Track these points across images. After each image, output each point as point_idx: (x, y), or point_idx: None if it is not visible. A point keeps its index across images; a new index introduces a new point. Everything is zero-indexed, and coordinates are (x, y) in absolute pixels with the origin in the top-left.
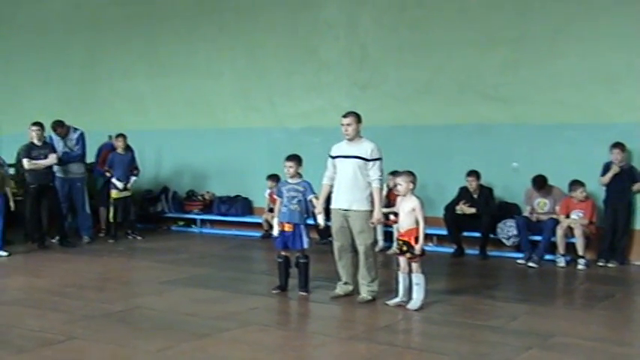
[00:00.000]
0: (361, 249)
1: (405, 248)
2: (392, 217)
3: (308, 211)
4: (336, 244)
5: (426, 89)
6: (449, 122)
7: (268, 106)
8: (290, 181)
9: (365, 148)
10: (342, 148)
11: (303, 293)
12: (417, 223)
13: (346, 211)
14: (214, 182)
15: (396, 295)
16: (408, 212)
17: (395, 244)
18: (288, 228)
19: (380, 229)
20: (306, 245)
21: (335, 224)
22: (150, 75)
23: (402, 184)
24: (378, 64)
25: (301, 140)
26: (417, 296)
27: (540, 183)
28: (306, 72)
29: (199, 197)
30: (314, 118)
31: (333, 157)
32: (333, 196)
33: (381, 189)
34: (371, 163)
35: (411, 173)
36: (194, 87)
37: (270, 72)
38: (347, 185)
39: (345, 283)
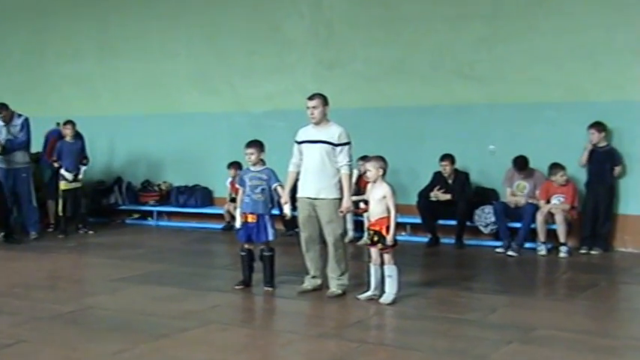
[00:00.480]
0: (330, 240)
1: (376, 238)
2: (362, 205)
3: (273, 200)
4: (303, 235)
5: (397, 68)
6: (421, 103)
7: (228, 89)
8: (252, 168)
9: (333, 132)
10: (308, 132)
11: (269, 288)
12: (389, 211)
13: (314, 200)
14: (171, 171)
15: (368, 289)
16: (378, 200)
17: (365, 235)
18: (251, 219)
19: (350, 219)
20: (271, 237)
21: (302, 214)
22: (100, 57)
23: (371, 169)
24: (346, 41)
25: (264, 125)
26: (390, 289)
27: (521, 164)
28: (268, 51)
29: (155, 188)
30: (277, 100)
31: (299, 143)
32: (300, 184)
33: (351, 175)
34: (339, 148)
35: (381, 158)
36: (148, 69)
37: (230, 52)
38: (314, 172)
39: (314, 277)
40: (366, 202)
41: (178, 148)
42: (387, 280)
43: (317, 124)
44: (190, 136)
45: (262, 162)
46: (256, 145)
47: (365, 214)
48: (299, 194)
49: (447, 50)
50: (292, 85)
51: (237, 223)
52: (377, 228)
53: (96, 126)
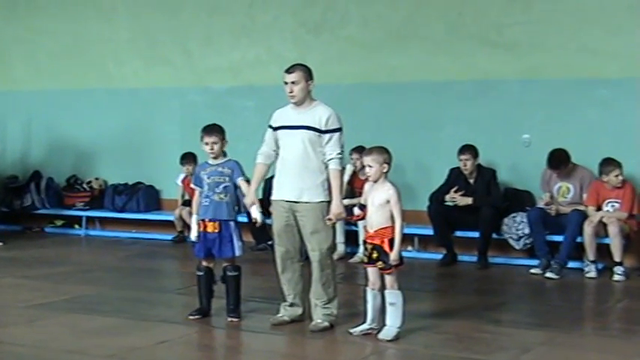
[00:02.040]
0: (315, 256)
1: (375, 255)
2: (357, 210)
3: (240, 203)
4: (279, 250)
5: (402, 33)
6: (434, 78)
7: (181, 57)
8: (212, 162)
9: (319, 115)
10: (286, 115)
11: (233, 319)
12: (393, 220)
13: (294, 204)
14: (106, 165)
15: (364, 321)
16: (379, 205)
17: (361, 250)
18: (211, 228)
19: (340, 229)
20: (237, 252)
21: (277, 222)
22: (13, 16)
23: (372, 165)
24: None
25: (229, 104)
26: (392, 322)
27: (557, 160)
28: (234, 9)
29: (85, 186)
30: (246, 73)
31: (274, 129)
32: (275, 184)
33: (342, 172)
34: (327, 135)
35: (384, 150)
36: (75, 31)
37: (184, 8)
38: (294, 167)
39: (292, 305)
40: (363, 207)
41: (115, 134)
42: (389, 310)
43: (298, 104)
44: (131, 119)
45: (224, 154)
46: (217, 131)
47: (360, 223)
48: (274, 197)
49: (468, 9)
50: (265, 53)
51: (193, 234)
52: (377, 241)
53: (6, 104)
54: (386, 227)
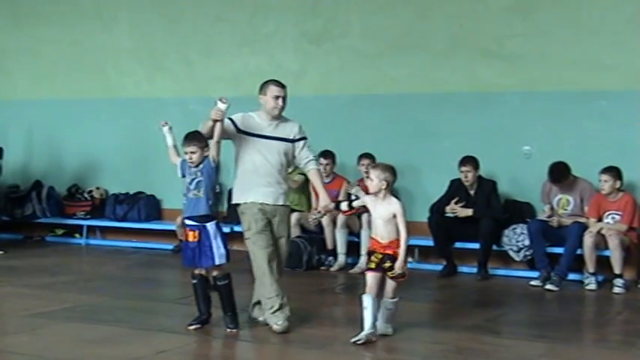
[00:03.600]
0: (282, 259)
1: (388, 264)
2: (344, 206)
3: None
4: (265, 251)
5: (403, 43)
6: (436, 89)
7: (183, 67)
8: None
9: (290, 128)
10: (259, 125)
11: (232, 330)
12: (398, 232)
13: (273, 207)
14: (107, 175)
15: (362, 329)
16: (388, 219)
17: (362, 261)
18: (191, 237)
19: (342, 240)
20: (217, 260)
21: (257, 224)
22: (13, 23)
23: (372, 179)
24: (337, 7)
25: (228, 114)
26: (388, 322)
27: (558, 173)
28: (236, 18)
29: (86, 196)
30: (247, 83)
31: (242, 132)
32: (246, 187)
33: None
34: (300, 143)
35: (388, 169)
36: (77, 41)
37: (186, 18)
38: (271, 175)
39: (283, 306)
40: (350, 204)
41: (117, 144)
42: (386, 314)
43: (277, 117)
44: (133, 129)
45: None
46: (197, 139)
47: (364, 234)
48: (249, 199)
49: (469, 20)
50: (267, 63)
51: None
52: (390, 252)
53: (8, 113)
54: (397, 239)
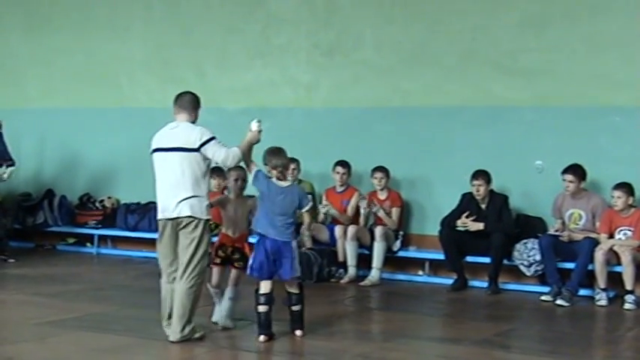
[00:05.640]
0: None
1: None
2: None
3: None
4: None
5: (416, 57)
6: (447, 103)
7: (195, 78)
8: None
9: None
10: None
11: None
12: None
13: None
14: (119, 184)
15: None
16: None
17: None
18: None
19: (352, 252)
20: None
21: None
22: (29, 32)
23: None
24: (350, 20)
25: (242, 125)
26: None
27: (572, 169)
28: (249, 30)
29: (97, 205)
30: (259, 94)
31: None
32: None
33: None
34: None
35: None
36: (90, 50)
37: (199, 29)
38: None
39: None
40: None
41: (128, 153)
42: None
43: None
44: (145, 139)
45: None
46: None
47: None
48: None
49: (482, 35)
50: (279, 75)
51: None
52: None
53: (20, 122)
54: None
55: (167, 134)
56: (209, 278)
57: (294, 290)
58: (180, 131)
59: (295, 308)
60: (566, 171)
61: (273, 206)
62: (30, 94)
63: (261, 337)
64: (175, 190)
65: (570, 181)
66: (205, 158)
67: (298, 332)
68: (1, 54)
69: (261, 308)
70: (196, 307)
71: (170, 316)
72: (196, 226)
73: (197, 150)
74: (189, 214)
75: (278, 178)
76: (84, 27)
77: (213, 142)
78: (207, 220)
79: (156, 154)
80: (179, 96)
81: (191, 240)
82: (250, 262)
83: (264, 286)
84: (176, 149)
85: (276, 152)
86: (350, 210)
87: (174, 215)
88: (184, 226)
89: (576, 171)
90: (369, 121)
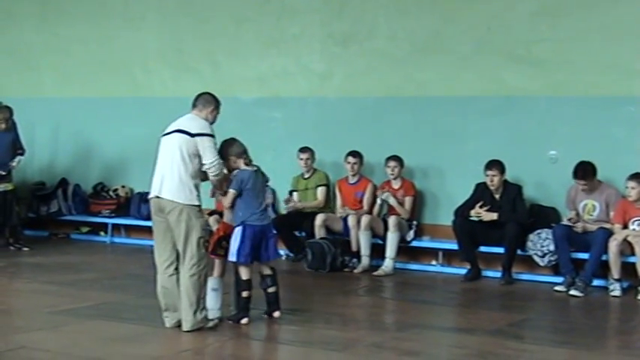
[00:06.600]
0: None
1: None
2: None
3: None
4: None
5: (430, 47)
6: (461, 93)
7: (209, 68)
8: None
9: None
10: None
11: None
12: None
13: None
14: (133, 173)
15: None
16: None
17: (386, 263)
18: None
19: (366, 242)
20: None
21: None
22: (42, 22)
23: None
24: (364, 9)
25: (255, 115)
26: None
27: (583, 171)
28: (262, 19)
29: (111, 194)
30: (273, 84)
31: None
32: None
33: None
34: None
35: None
36: (104, 39)
37: (213, 18)
38: None
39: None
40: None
41: (142, 143)
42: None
43: None
44: (159, 128)
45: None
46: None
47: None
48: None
49: (496, 24)
50: (293, 64)
51: None
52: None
53: (34, 111)
54: None
55: (174, 123)
56: (211, 271)
57: (268, 272)
58: (185, 119)
59: (271, 290)
60: (576, 176)
61: (254, 192)
62: (44, 84)
63: (244, 320)
64: (163, 170)
65: (584, 184)
66: (197, 152)
67: (276, 314)
68: (16, 43)
69: (246, 294)
70: (202, 294)
71: (167, 309)
72: (181, 212)
73: (192, 136)
74: (169, 198)
75: (246, 164)
76: (98, 16)
77: (209, 139)
78: (197, 207)
79: (161, 139)
80: (197, 95)
81: (180, 228)
82: (236, 248)
83: (246, 272)
84: (175, 131)
85: (232, 142)
86: (366, 203)
87: (155, 194)
88: (169, 212)
89: (587, 173)
90: (382, 110)
